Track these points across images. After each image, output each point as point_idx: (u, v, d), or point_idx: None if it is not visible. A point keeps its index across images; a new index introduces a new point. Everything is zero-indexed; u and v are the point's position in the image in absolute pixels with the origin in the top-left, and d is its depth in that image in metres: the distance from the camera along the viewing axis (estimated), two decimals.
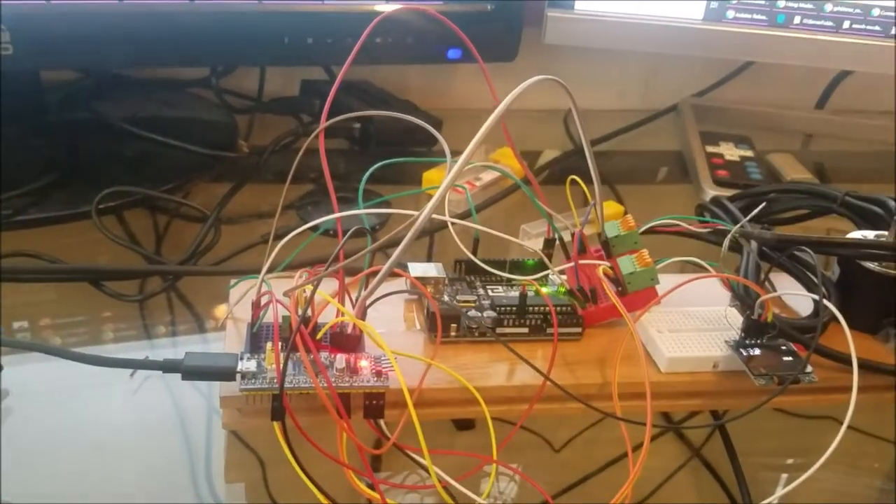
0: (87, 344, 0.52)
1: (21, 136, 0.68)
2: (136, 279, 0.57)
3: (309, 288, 0.39)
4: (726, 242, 0.47)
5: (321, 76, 0.80)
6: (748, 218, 0.48)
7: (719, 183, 0.75)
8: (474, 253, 0.49)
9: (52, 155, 0.68)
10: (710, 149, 0.81)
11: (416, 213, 0.38)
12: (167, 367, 0.38)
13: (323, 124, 0.41)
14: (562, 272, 0.49)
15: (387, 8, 0.66)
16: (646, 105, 0.93)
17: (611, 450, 0.46)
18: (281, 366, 0.36)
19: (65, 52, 0.62)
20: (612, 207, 0.69)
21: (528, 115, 0.86)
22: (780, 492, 0.40)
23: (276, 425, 0.37)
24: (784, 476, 0.49)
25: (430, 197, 0.35)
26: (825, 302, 0.43)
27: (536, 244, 0.63)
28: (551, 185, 0.76)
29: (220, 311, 0.51)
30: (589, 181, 0.46)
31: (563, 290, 0.48)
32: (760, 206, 0.48)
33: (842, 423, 0.40)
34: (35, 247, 0.57)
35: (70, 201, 0.62)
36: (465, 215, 0.59)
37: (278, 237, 0.43)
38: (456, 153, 0.64)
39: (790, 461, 0.51)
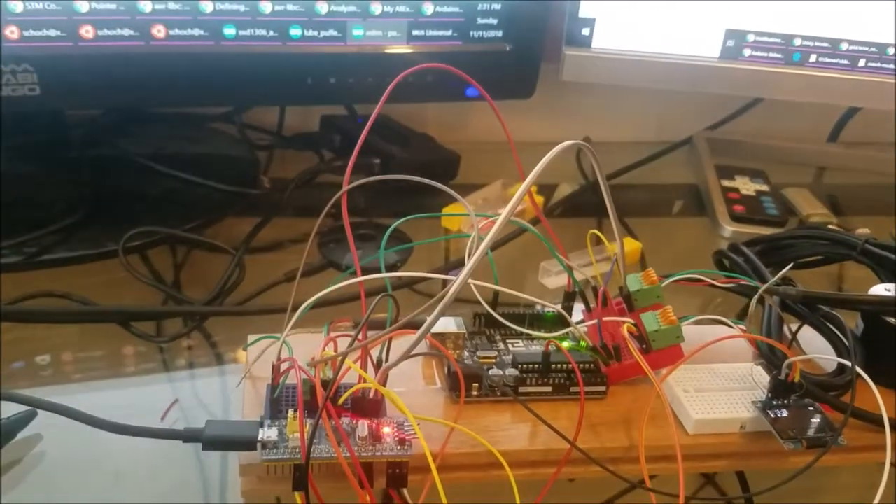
0: (112, 387, 0.52)
1: (45, 173, 0.68)
2: (164, 320, 0.57)
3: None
4: (753, 303, 0.47)
5: (340, 111, 0.80)
6: (776, 279, 0.47)
7: (736, 218, 0.75)
8: (494, 306, 0.48)
9: (76, 193, 0.67)
10: (725, 183, 0.80)
11: (450, 277, 0.37)
12: (188, 436, 0.37)
13: (345, 187, 0.40)
14: (582, 325, 0.48)
15: (406, 50, 0.66)
16: (661, 137, 0.93)
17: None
18: (307, 441, 0.36)
19: (91, 92, 0.62)
20: (629, 244, 0.68)
21: (544, 148, 0.85)
22: None
23: (299, 496, 0.37)
24: None
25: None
26: (858, 370, 0.43)
27: (556, 281, 0.62)
28: (569, 217, 0.76)
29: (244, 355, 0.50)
30: (604, 216, 0.45)
31: (584, 345, 0.47)
32: (788, 267, 0.47)
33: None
34: (61, 286, 0.57)
35: (95, 240, 0.62)
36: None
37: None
38: (471, 188, 0.64)
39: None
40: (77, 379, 0.52)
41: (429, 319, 0.35)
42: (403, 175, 0.43)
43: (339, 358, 0.37)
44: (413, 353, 0.45)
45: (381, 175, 0.73)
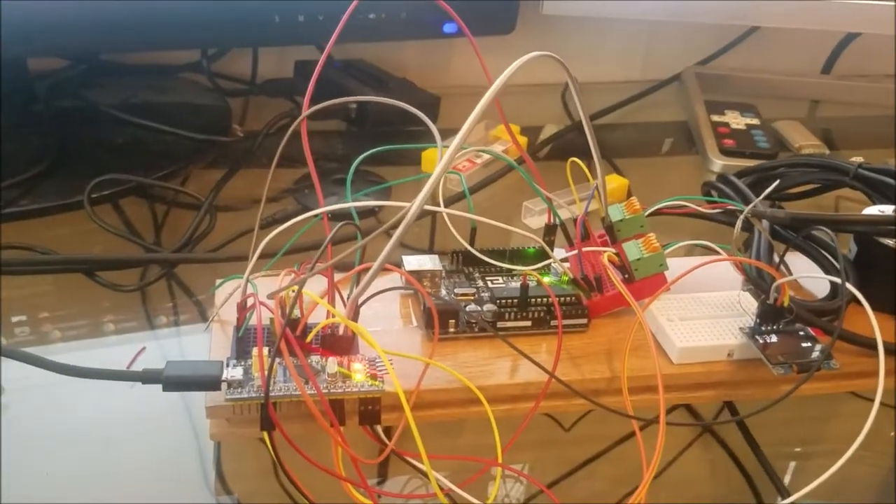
0: (84, 337, 0.51)
1: (10, 127, 0.66)
2: (131, 268, 0.55)
3: (296, 288, 0.36)
4: (739, 224, 0.45)
5: (315, 56, 0.77)
6: (762, 197, 0.45)
7: (725, 152, 0.73)
8: (472, 242, 0.46)
9: (43, 145, 0.66)
10: (715, 118, 0.78)
11: (406, 204, 0.35)
12: (147, 377, 0.36)
13: (305, 111, 0.38)
14: (565, 260, 0.46)
15: None
16: (648, 75, 0.90)
17: (621, 425, 0.44)
18: (266, 374, 0.34)
19: (52, 38, 0.60)
20: (615, 181, 0.67)
21: (528, 89, 0.83)
22: (810, 486, 0.37)
23: (266, 435, 0.35)
24: (794, 455, 0.48)
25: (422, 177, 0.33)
26: (848, 286, 0.41)
27: (539, 221, 0.60)
28: (554, 160, 0.74)
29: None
30: (591, 158, 0.44)
31: (566, 279, 0.46)
32: (774, 184, 0.45)
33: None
34: (28, 239, 0.56)
35: (63, 191, 0.60)
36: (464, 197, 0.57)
37: (267, 226, 0.41)
38: (452, 132, 0.62)
39: (798, 441, 0.49)
40: (43, 330, 0.50)
41: (388, 244, 0.33)
42: (377, 98, 0.41)
43: (299, 288, 0.35)
44: (385, 288, 0.43)
45: (359, 119, 0.73)
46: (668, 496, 0.44)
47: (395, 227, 0.34)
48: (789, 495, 0.38)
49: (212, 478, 0.42)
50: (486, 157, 0.68)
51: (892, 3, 0.74)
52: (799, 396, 0.46)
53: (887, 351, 0.40)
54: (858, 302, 0.41)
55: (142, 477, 0.42)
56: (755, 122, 0.78)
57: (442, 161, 0.32)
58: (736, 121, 0.78)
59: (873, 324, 0.40)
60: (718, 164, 0.71)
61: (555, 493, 0.40)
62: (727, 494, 0.46)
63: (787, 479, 0.45)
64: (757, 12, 0.76)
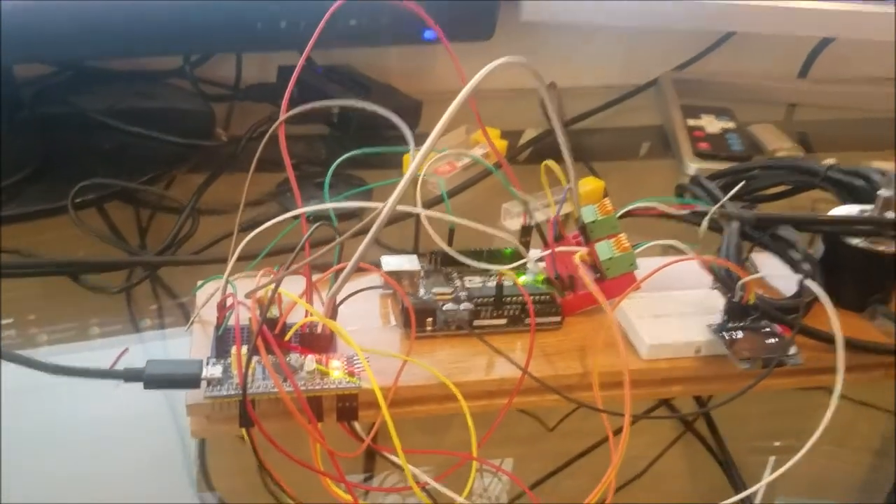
0: (70, 339, 0.52)
1: None
2: (114, 271, 0.56)
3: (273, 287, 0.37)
4: (704, 223, 0.46)
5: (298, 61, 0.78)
6: (727, 197, 0.46)
7: (700, 155, 0.74)
8: (450, 243, 0.47)
9: (30, 150, 0.66)
10: (690, 122, 0.79)
11: (380, 204, 0.36)
12: (129, 376, 0.37)
13: (283, 115, 0.39)
14: (541, 260, 0.47)
15: None
16: (626, 81, 0.91)
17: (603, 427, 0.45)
18: (243, 371, 0.35)
19: (36, 45, 0.61)
20: (591, 183, 0.68)
21: (509, 94, 0.84)
22: (772, 475, 0.39)
23: (245, 432, 0.36)
24: (774, 451, 0.49)
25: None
26: (808, 282, 0.42)
27: (518, 223, 0.61)
28: (534, 164, 0.75)
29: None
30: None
31: (541, 278, 0.47)
32: (739, 185, 0.46)
33: (832, 393, 0.40)
34: (13, 244, 0.57)
35: (49, 196, 0.61)
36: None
37: (246, 230, 0.42)
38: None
39: (779, 437, 0.50)
40: (30, 333, 0.51)
41: (363, 243, 0.34)
42: (353, 101, 0.42)
43: (275, 286, 0.36)
44: (364, 287, 0.45)
45: (341, 124, 0.74)
46: (649, 493, 0.45)
47: (370, 226, 0.35)
48: (746, 488, 0.39)
49: (194, 475, 0.43)
50: (467, 160, 0.69)
51: (864, 9, 0.75)
52: (773, 391, 0.48)
53: (848, 346, 0.41)
54: None
55: (129, 477, 0.43)
56: (730, 125, 0.79)
57: (413, 162, 0.33)
58: (711, 125, 0.79)
59: (832, 319, 0.41)
60: (693, 167, 0.73)
61: (539, 491, 0.41)
62: (708, 491, 0.47)
63: (766, 474, 0.46)
64: (733, 18, 0.77)
